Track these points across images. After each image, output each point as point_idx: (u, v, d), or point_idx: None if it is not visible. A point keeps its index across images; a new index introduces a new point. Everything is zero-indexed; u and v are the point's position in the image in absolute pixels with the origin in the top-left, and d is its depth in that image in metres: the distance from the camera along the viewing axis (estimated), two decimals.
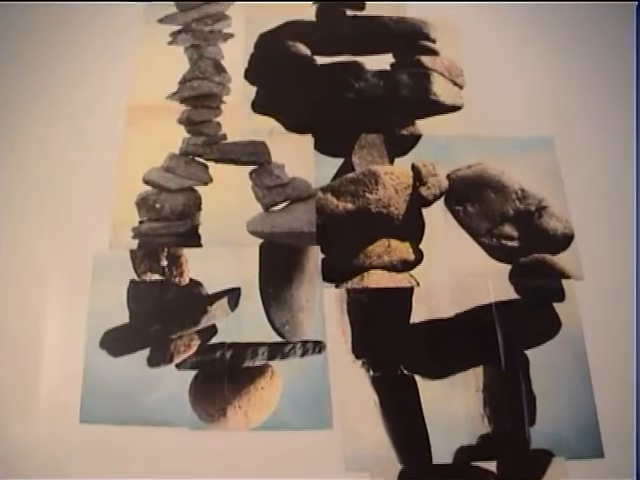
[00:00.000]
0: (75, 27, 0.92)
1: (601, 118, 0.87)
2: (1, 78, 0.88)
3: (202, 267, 0.77)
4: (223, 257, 0.77)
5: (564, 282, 0.78)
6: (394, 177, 0.81)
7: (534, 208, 0.81)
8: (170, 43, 0.90)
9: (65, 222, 0.80)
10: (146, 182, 0.81)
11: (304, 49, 0.88)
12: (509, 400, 0.73)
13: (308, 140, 0.83)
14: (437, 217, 0.81)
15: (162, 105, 0.85)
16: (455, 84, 0.87)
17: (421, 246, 0.79)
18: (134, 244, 0.78)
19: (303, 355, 0.74)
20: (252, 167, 0.82)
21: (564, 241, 0.80)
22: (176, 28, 0.91)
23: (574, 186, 0.82)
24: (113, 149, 0.82)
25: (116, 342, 0.74)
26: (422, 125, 0.85)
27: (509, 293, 0.77)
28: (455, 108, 0.86)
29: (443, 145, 0.83)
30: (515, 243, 0.80)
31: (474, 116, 0.85)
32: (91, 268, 0.77)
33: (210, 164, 0.82)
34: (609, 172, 0.84)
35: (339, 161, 0.82)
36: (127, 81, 0.87)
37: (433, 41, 0.90)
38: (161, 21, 0.91)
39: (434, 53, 0.89)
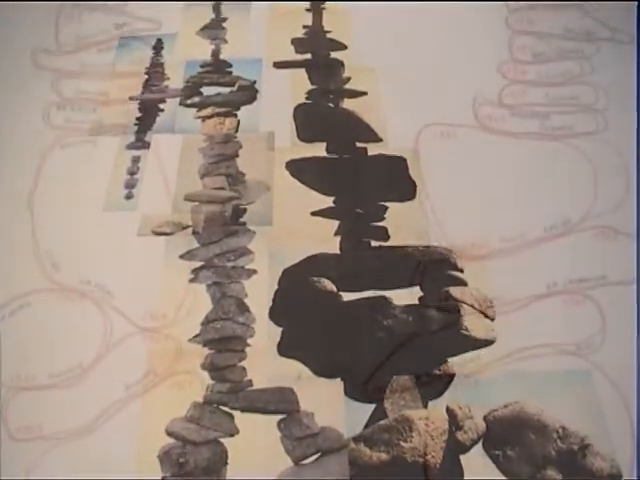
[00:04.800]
0: None
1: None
2: None
3: None
4: None
5: None
6: (429, 422, 0.77)
7: (577, 447, 0.77)
8: (192, 281, 0.88)
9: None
10: (169, 434, 0.77)
11: (329, 285, 0.87)
12: None
13: (338, 385, 0.80)
14: (476, 463, 0.76)
15: (185, 349, 0.83)
16: (486, 316, 0.85)
17: None
18: None
19: None
20: (280, 416, 0.78)
21: None
22: (198, 264, 0.89)
23: (617, 421, 0.78)
24: (134, 400, 0.79)
25: None
26: (455, 363, 0.82)
27: None
28: (487, 342, 0.83)
29: (477, 383, 0.80)
30: None
31: (507, 351, 0.82)
32: None
33: (236, 413, 0.78)
34: None
35: (371, 407, 0.79)
36: (149, 322, 0.85)
37: (461, 270, 0.88)
38: (182, 257, 0.89)
39: (462, 283, 0.87)
